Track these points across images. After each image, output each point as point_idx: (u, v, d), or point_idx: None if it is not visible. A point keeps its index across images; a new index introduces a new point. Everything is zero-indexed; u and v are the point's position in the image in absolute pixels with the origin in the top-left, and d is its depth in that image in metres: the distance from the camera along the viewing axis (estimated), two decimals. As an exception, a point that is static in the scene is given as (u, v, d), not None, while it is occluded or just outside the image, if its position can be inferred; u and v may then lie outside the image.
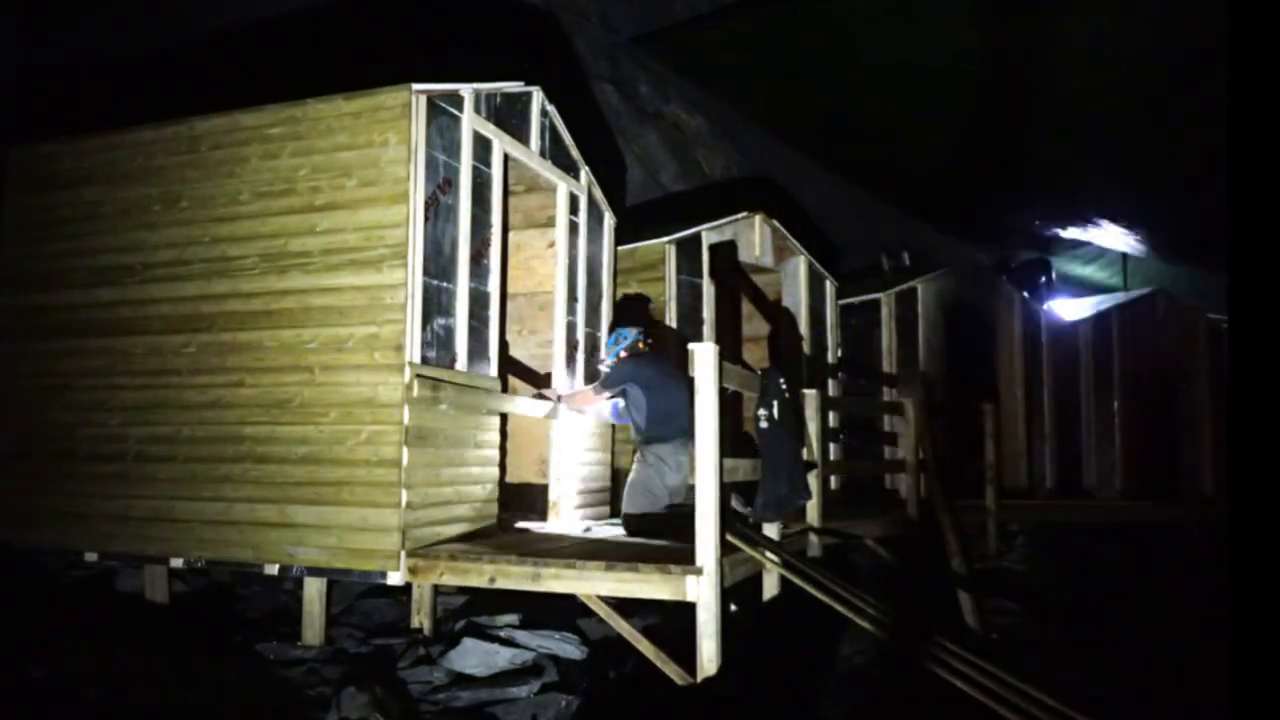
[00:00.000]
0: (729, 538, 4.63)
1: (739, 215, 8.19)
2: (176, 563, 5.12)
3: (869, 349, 10.14)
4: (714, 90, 11.86)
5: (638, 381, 5.47)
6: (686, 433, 5.26)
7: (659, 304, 7.41)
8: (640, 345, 5.76)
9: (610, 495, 6.65)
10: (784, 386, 5.18)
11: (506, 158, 5.68)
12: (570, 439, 6.23)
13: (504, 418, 5.72)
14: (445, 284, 5.01)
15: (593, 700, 4.39)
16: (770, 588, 5.14)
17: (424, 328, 4.81)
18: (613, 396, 5.71)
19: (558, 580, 4.35)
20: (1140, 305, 11.90)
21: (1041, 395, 11.22)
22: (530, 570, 4.39)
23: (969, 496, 9.12)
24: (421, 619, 5.26)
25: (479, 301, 5.33)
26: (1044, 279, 12.18)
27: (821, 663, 5.05)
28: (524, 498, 6.74)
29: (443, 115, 5.04)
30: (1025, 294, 11.04)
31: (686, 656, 4.08)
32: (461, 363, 5.13)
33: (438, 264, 4.94)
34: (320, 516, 4.75)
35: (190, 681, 4.40)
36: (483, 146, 5.40)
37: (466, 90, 5.21)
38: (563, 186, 6.38)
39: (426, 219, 4.85)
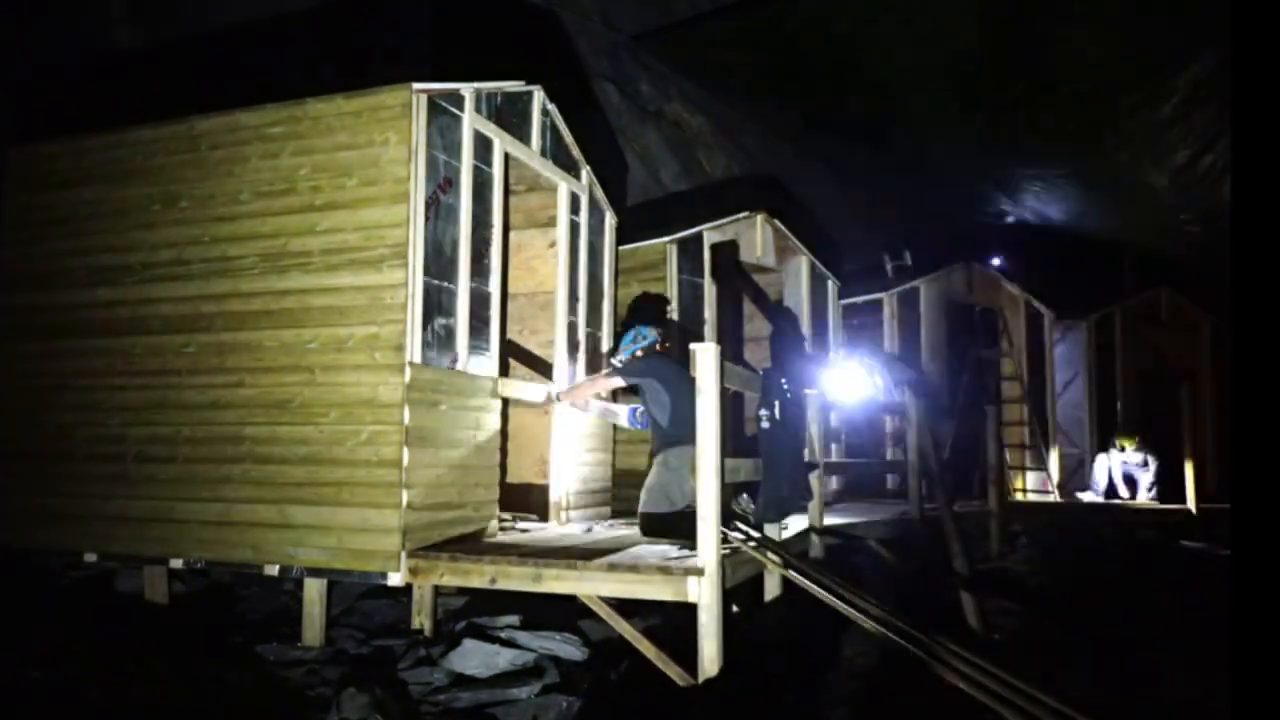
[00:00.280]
0: (730, 536, 4.62)
1: (740, 215, 8.18)
2: (176, 563, 5.10)
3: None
4: (715, 89, 11.84)
5: (659, 378, 5.32)
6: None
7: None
8: (659, 347, 5.66)
9: (611, 496, 6.63)
10: (785, 387, 5.17)
11: (507, 157, 5.66)
12: (571, 439, 6.21)
13: (504, 419, 5.69)
14: (446, 284, 5.00)
15: (594, 701, 4.37)
16: (771, 589, 5.13)
17: (425, 328, 4.80)
18: (627, 387, 5.56)
19: (559, 581, 4.34)
20: (1144, 304, 11.89)
21: (1044, 395, 11.20)
22: (531, 571, 4.38)
23: (970, 497, 9.12)
24: (422, 620, 5.24)
25: (480, 301, 5.31)
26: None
27: (823, 664, 5.03)
28: (524, 498, 6.72)
29: (443, 115, 5.02)
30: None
31: (688, 657, 4.06)
32: (462, 363, 5.12)
33: (438, 264, 4.93)
34: (320, 517, 4.74)
35: (190, 683, 4.39)
36: (483, 146, 5.39)
37: (467, 90, 5.19)
38: (564, 186, 6.37)
39: (427, 219, 4.83)
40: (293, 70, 6.03)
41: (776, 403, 5.03)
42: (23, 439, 5.58)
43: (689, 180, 11.94)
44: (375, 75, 4.94)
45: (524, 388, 5.93)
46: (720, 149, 12.48)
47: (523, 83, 5.82)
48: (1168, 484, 10.07)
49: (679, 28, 10.32)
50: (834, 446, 8.70)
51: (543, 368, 6.95)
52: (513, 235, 7.26)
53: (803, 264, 8.68)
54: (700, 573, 3.98)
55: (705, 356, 4.08)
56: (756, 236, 8.31)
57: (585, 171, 6.64)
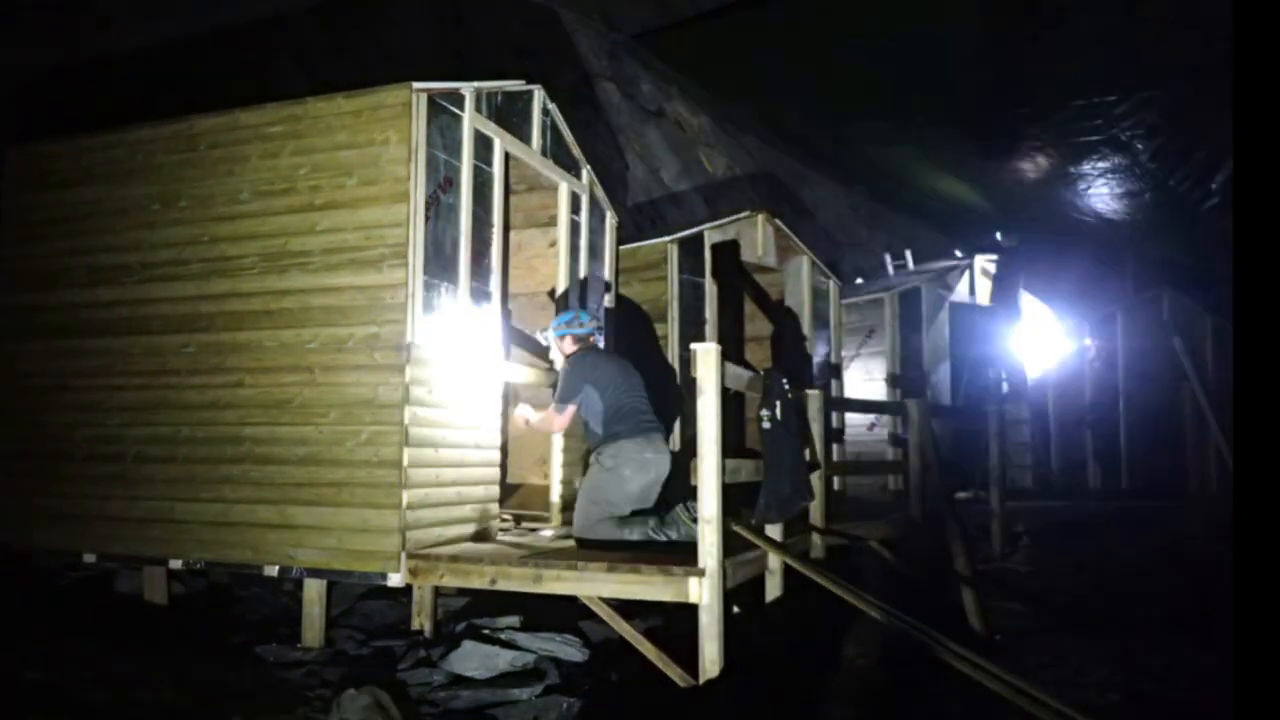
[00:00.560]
0: (735, 528, 4.61)
1: (741, 214, 8.17)
2: (175, 564, 5.08)
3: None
4: (717, 88, 11.83)
5: (590, 381, 5.02)
6: (651, 427, 5.04)
7: (661, 303, 7.38)
8: (590, 339, 5.34)
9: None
10: (787, 387, 5.15)
11: (508, 156, 5.65)
12: (572, 439, 6.19)
13: (505, 419, 5.68)
14: (446, 284, 4.98)
15: (594, 702, 4.36)
16: (773, 589, 5.11)
17: (425, 328, 4.78)
18: (569, 405, 5.08)
19: (559, 582, 4.32)
20: (1146, 304, 11.87)
21: (1046, 394, 11.19)
22: (532, 572, 4.36)
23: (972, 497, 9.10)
24: (422, 621, 5.23)
25: (480, 301, 5.30)
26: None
27: (824, 665, 5.01)
28: (525, 498, 6.70)
29: (443, 114, 5.00)
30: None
31: (689, 658, 4.05)
32: (462, 364, 5.10)
33: (438, 263, 4.91)
34: (320, 518, 4.72)
35: (189, 684, 4.38)
36: (484, 145, 5.37)
37: (467, 89, 5.18)
38: (564, 185, 6.35)
39: (427, 218, 4.82)
40: (293, 69, 6.01)
41: (778, 403, 5.01)
42: (21, 439, 5.57)
43: (690, 180, 11.93)
44: (375, 74, 4.92)
45: (525, 371, 5.90)
46: (721, 148, 12.47)
47: (523, 82, 5.81)
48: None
49: (680, 27, 10.30)
50: (835, 448, 8.66)
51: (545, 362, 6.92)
52: (513, 235, 7.24)
53: (804, 263, 8.66)
54: (701, 573, 3.97)
55: (706, 357, 4.06)
56: (757, 236, 8.30)
57: (586, 171, 6.62)
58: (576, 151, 6.49)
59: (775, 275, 8.92)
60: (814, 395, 6.13)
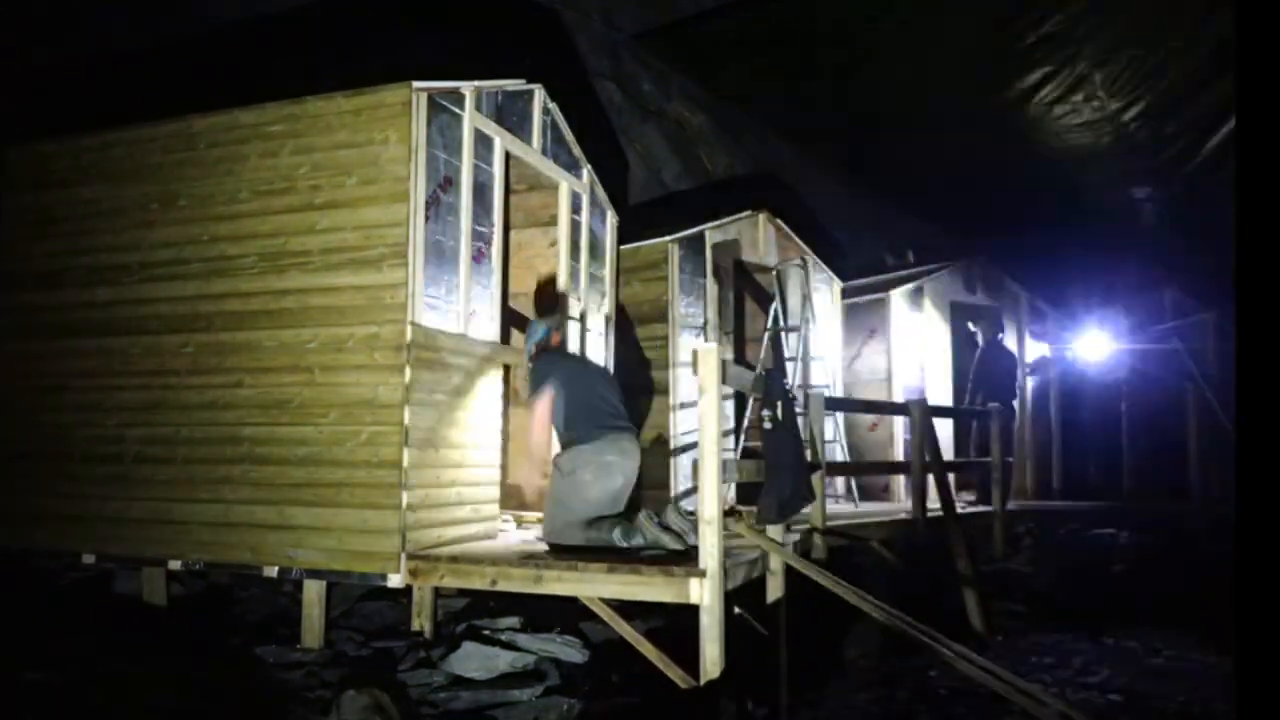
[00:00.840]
0: (736, 528, 4.60)
1: (742, 214, 8.15)
2: (175, 565, 5.07)
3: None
4: (716, 88, 11.81)
5: (552, 378, 4.79)
6: (614, 426, 4.77)
7: (661, 303, 7.37)
8: (553, 339, 5.18)
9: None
10: (788, 387, 5.13)
11: (508, 156, 5.63)
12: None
13: (505, 419, 5.66)
14: (446, 284, 4.96)
15: (595, 703, 4.35)
16: (774, 590, 5.09)
17: (424, 329, 4.76)
18: (540, 391, 4.82)
19: (560, 583, 4.30)
20: (1148, 304, 11.85)
21: (1048, 394, 11.17)
22: (532, 572, 4.35)
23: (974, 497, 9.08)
24: (422, 622, 5.22)
25: (480, 301, 5.28)
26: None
27: (826, 665, 5.00)
28: (525, 499, 6.68)
29: (444, 113, 4.99)
30: None
31: (689, 660, 4.04)
32: (462, 366, 5.08)
33: (438, 263, 4.89)
34: (320, 518, 4.70)
35: (188, 685, 4.36)
36: (484, 145, 5.35)
37: (468, 88, 5.16)
38: (564, 185, 6.33)
39: (427, 218, 4.80)
40: (292, 68, 5.99)
41: (779, 403, 4.99)
42: (20, 439, 5.55)
43: (690, 179, 11.91)
44: (375, 73, 4.90)
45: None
46: (722, 148, 12.46)
47: (523, 81, 5.79)
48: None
49: (680, 26, 10.29)
50: (838, 448, 8.65)
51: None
52: (513, 234, 7.23)
53: (805, 262, 8.65)
54: (702, 574, 3.95)
55: (707, 357, 4.05)
56: (758, 235, 8.29)
57: (586, 170, 6.61)
58: (577, 151, 6.48)
59: (776, 274, 8.90)
60: (815, 396, 6.12)
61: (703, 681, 3.92)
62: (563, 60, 9.89)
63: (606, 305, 6.85)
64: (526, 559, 4.42)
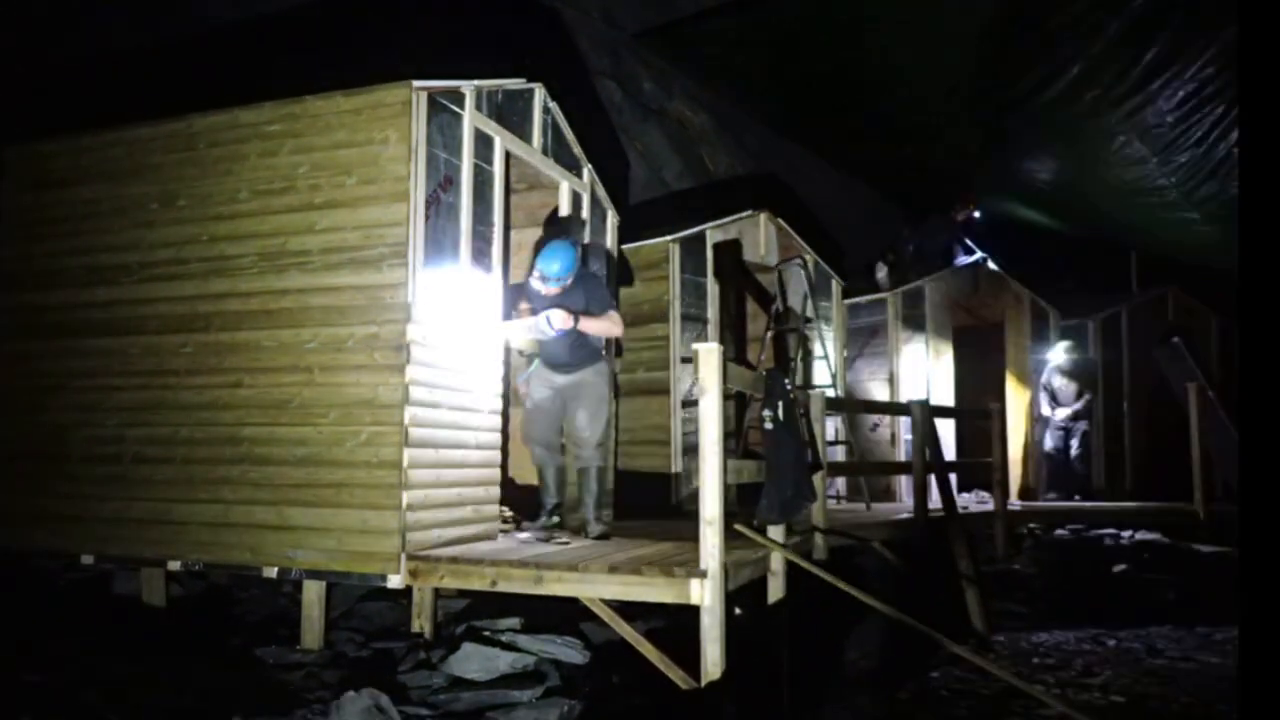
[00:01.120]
0: (738, 529, 4.58)
1: (743, 214, 8.14)
2: (174, 565, 5.05)
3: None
4: (718, 87, 11.79)
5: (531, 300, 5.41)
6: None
7: (662, 303, 7.36)
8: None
9: (613, 497, 6.58)
10: (789, 387, 5.11)
11: (508, 155, 5.62)
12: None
13: (505, 419, 5.65)
14: (446, 284, 4.94)
15: (595, 704, 4.33)
16: (775, 591, 5.08)
17: (424, 328, 4.75)
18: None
19: (560, 583, 4.29)
20: (1151, 304, 11.81)
21: (1050, 394, 11.12)
22: (532, 573, 4.34)
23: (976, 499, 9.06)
24: (422, 623, 5.21)
25: (480, 301, 5.26)
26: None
27: (827, 666, 4.99)
28: (525, 499, 6.67)
29: (444, 112, 4.97)
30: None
31: (690, 661, 4.02)
32: (463, 366, 5.06)
33: (438, 263, 4.88)
34: (319, 519, 4.69)
35: (187, 686, 4.35)
36: (484, 144, 5.34)
37: (468, 87, 5.15)
38: (565, 184, 6.32)
39: (427, 217, 4.79)
40: (291, 68, 5.98)
41: (780, 403, 4.98)
42: (19, 439, 5.53)
43: (691, 179, 11.90)
44: (375, 72, 4.89)
45: (521, 329, 5.81)
46: (723, 147, 12.44)
47: (524, 80, 5.78)
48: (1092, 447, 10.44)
49: (681, 25, 10.27)
50: (839, 449, 8.63)
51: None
52: (513, 234, 7.20)
53: (806, 262, 8.63)
54: (703, 575, 3.94)
55: (708, 357, 4.03)
56: (759, 235, 8.27)
57: (587, 170, 6.59)
58: (577, 150, 6.46)
59: (777, 274, 8.88)
60: (816, 396, 6.10)
61: (703, 683, 3.91)
62: (563, 59, 9.88)
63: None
64: (527, 560, 4.40)
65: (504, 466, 6.01)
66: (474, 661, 4.53)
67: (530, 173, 6.15)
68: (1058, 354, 10.70)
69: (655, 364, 7.39)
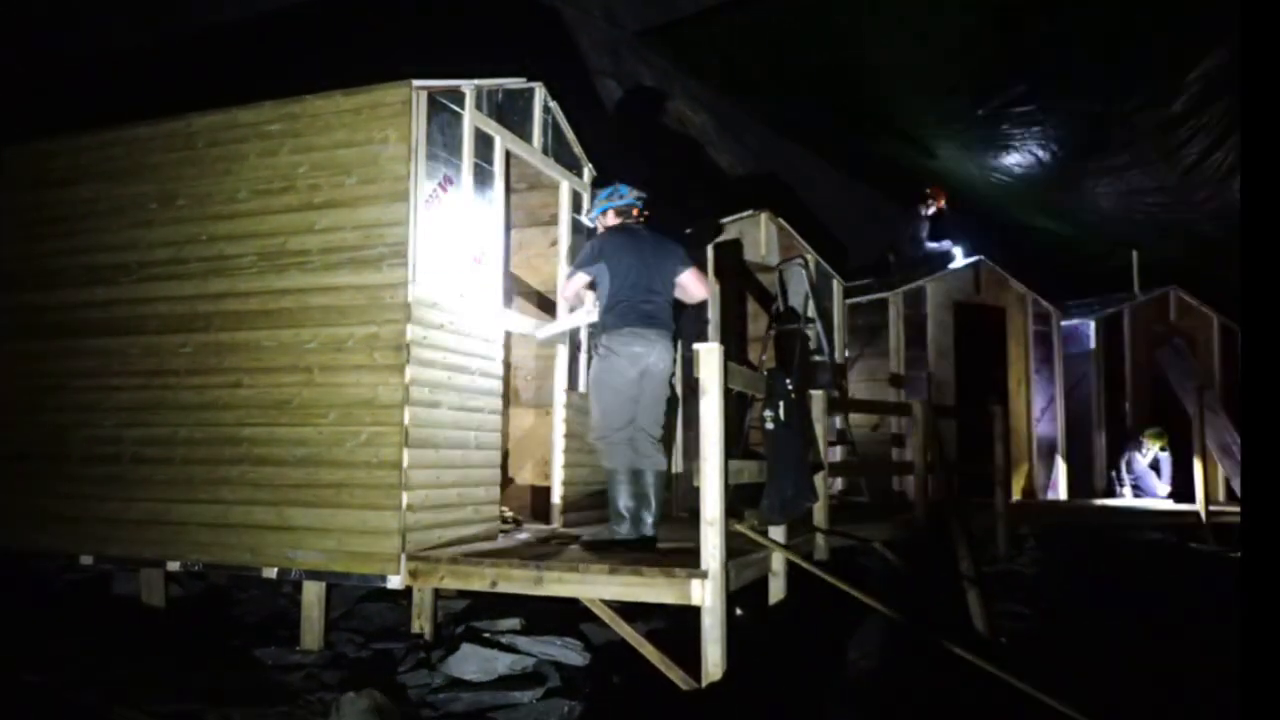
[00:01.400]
0: (739, 529, 4.57)
1: (744, 213, 8.12)
2: (173, 566, 5.05)
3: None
4: (718, 86, 11.78)
5: (606, 259, 4.76)
6: (641, 317, 4.72)
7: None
8: (634, 212, 4.97)
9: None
10: (790, 387, 5.10)
11: (508, 155, 5.61)
12: (573, 440, 6.14)
13: (505, 420, 5.64)
14: (446, 283, 4.93)
15: (595, 706, 4.32)
16: (776, 591, 5.07)
17: (424, 328, 4.74)
18: (578, 271, 4.90)
19: (560, 584, 4.28)
20: (1153, 304, 11.79)
21: (1052, 395, 11.11)
22: (533, 574, 4.32)
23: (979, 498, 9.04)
24: (422, 623, 5.19)
25: (480, 300, 5.25)
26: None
27: (828, 667, 4.97)
28: (526, 499, 6.67)
29: (444, 112, 4.96)
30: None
31: (691, 661, 4.01)
32: (462, 365, 5.05)
33: (438, 263, 4.86)
34: (319, 519, 4.68)
35: (187, 687, 4.34)
36: (484, 144, 5.33)
37: (468, 87, 5.13)
38: (566, 184, 6.31)
39: (427, 217, 4.77)
40: (291, 67, 5.97)
41: (781, 403, 4.96)
42: (18, 440, 5.53)
43: (692, 178, 11.88)
44: (375, 72, 4.88)
45: (523, 321, 5.86)
46: (724, 146, 12.43)
47: (524, 80, 5.77)
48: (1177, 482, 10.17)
49: (681, 24, 10.27)
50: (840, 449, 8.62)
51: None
52: (514, 234, 7.20)
53: (807, 262, 8.61)
54: (704, 576, 3.92)
55: (709, 357, 4.02)
56: (760, 235, 8.25)
57: (587, 169, 6.58)
58: (578, 149, 6.45)
59: (778, 274, 8.87)
60: (817, 396, 6.09)
61: (704, 684, 3.90)
62: (564, 58, 9.87)
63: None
64: (527, 560, 4.39)
65: (504, 466, 6.00)
66: (473, 662, 4.52)
67: (530, 172, 6.14)
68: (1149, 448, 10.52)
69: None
